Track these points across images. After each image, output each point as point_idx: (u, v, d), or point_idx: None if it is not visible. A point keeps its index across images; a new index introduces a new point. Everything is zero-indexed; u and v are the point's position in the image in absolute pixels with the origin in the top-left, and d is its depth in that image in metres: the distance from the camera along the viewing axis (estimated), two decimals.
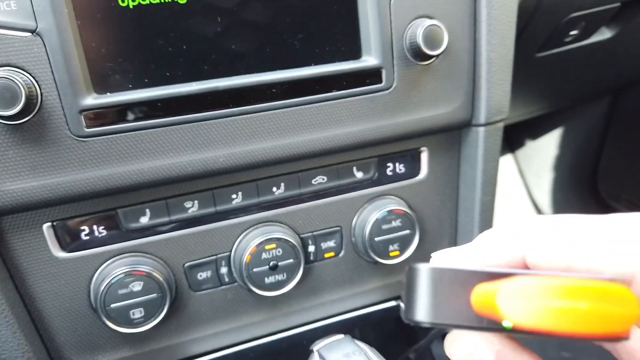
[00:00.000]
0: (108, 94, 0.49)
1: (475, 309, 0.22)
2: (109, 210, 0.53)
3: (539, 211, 1.61)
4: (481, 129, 0.62)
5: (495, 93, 0.60)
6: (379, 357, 0.45)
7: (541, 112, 1.27)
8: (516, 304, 0.19)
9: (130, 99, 0.49)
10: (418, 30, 0.53)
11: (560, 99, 1.22)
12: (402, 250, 0.62)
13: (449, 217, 0.67)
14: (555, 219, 0.27)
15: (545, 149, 1.53)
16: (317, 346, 0.46)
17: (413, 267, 0.23)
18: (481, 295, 0.21)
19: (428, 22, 0.53)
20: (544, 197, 1.57)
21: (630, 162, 1.42)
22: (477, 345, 0.27)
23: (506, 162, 1.62)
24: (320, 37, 0.54)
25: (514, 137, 1.61)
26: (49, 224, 0.51)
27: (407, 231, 0.62)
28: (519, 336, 0.23)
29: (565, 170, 1.52)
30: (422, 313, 0.22)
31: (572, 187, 1.54)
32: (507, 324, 0.21)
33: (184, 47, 0.50)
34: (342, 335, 0.48)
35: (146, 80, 0.50)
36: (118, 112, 0.49)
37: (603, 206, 1.52)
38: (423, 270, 0.22)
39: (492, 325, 0.22)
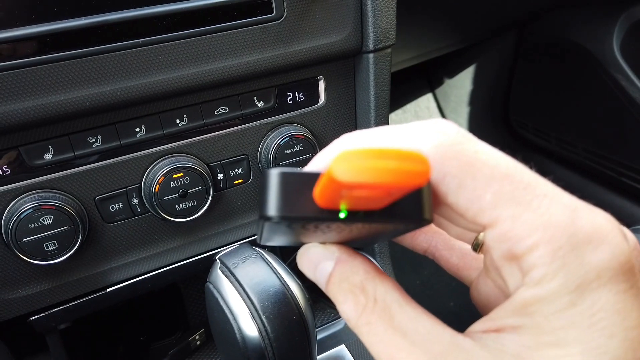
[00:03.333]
0: None
1: (317, 201, 0.26)
2: (11, 148, 0.54)
3: None
4: (371, 56, 0.66)
5: (381, 21, 0.65)
6: (275, 259, 0.50)
7: (452, 47, 1.34)
8: (345, 166, 0.23)
9: (17, 35, 0.49)
10: None
11: (464, 32, 1.29)
12: (308, 165, 0.67)
13: None
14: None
15: (460, 86, 1.62)
16: (219, 255, 0.51)
17: (265, 172, 0.26)
18: (320, 185, 0.25)
19: None
20: None
21: (535, 92, 1.53)
22: (321, 255, 0.32)
23: (426, 100, 1.70)
24: None
25: (432, 76, 1.68)
26: None
27: (309, 154, 0.67)
28: (350, 226, 0.27)
29: (479, 104, 1.62)
30: (273, 209, 0.25)
31: (486, 120, 1.65)
32: (342, 215, 0.26)
33: None
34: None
35: (33, 16, 0.51)
36: (7, 49, 0.50)
37: (514, 135, 1.64)
38: (273, 174, 0.26)
39: (331, 215, 0.26)
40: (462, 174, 0.27)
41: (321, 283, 0.32)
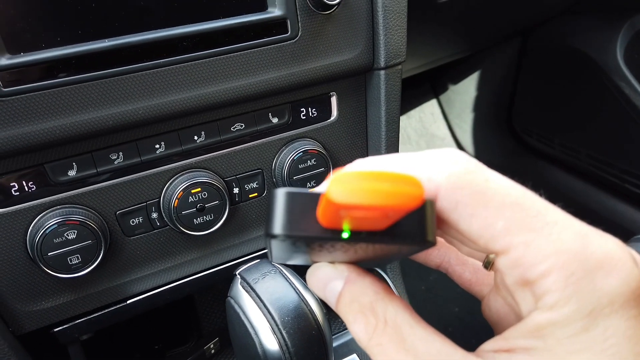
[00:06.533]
0: (22, 53, 0.51)
1: (320, 221, 0.27)
2: (36, 165, 0.56)
3: (461, 149, 1.74)
4: (382, 72, 0.68)
5: (393, 38, 0.67)
6: (294, 275, 0.52)
7: (458, 55, 1.36)
8: (340, 188, 0.24)
9: (44, 57, 0.51)
10: None
11: (471, 41, 1.31)
12: (319, 185, 0.69)
13: (359, 154, 0.74)
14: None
15: (464, 92, 1.64)
16: (239, 270, 0.53)
17: (272, 191, 0.27)
18: (321, 205, 0.26)
19: None
20: (466, 136, 1.69)
21: (539, 99, 1.54)
22: (330, 274, 0.33)
23: (431, 106, 1.72)
24: None
25: (437, 82, 1.70)
26: None
27: (322, 169, 0.69)
28: (354, 246, 0.28)
29: (483, 110, 1.63)
30: (278, 228, 0.26)
31: (490, 126, 1.67)
32: (345, 235, 0.26)
33: (93, 4, 0.52)
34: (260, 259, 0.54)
35: (59, 39, 0.53)
36: (34, 71, 0.51)
37: (518, 141, 1.66)
38: (280, 193, 0.27)
39: (333, 235, 0.27)
40: (473, 202, 0.27)
41: (331, 302, 0.33)
